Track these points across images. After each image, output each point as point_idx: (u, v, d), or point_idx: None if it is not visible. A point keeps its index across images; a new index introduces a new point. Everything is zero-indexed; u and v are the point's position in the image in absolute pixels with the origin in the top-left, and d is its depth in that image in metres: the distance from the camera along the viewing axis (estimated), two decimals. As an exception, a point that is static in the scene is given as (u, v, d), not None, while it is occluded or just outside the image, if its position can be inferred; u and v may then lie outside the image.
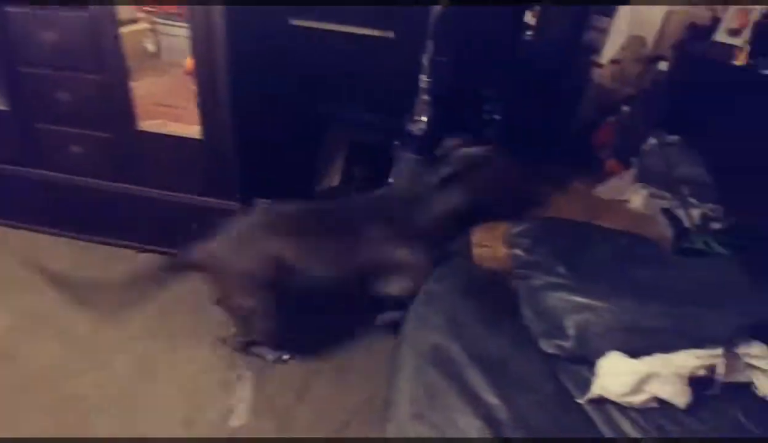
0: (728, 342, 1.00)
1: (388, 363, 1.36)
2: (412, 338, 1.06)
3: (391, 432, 0.94)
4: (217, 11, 1.32)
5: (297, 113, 1.78)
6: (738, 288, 1.10)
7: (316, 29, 1.75)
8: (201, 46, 1.39)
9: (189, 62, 2.10)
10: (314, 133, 1.85)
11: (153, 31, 2.20)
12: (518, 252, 1.23)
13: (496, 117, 1.74)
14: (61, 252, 1.74)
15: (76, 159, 1.60)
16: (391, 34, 1.72)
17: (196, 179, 1.60)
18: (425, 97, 1.59)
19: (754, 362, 1.03)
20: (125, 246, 1.77)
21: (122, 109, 1.51)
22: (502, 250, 1.72)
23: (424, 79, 1.58)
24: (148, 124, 1.60)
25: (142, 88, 1.81)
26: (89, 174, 1.64)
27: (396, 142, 1.69)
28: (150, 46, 1.68)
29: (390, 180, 1.76)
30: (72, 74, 1.48)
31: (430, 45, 1.54)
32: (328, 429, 1.28)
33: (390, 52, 1.73)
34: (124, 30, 1.56)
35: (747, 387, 1.04)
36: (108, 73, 1.46)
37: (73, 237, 1.78)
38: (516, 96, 1.87)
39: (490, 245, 1.76)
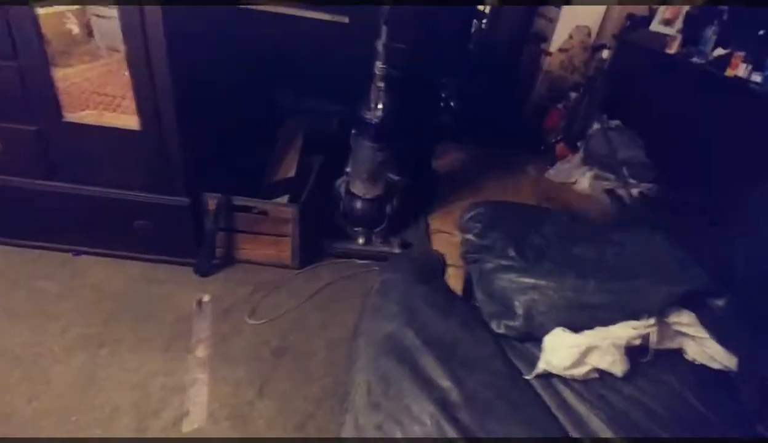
0: (660, 313, 1.07)
1: (341, 349, 1.40)
2: (368, 328, 1.06)
3: (348, 423, 0.93)
4: None
5: (248, 102, 1.70)
6: (669, 261, 1.18)
7: (266, 12, 1.68)
8: (132, 27, 1.27)
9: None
10: (267, 123, 1.78)
11: (82, 12, 2.01)
12: (470, 237, 1.26)
13: (452, 104, 1.74)
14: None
15: (-4, 155, 1.45)
16: (345, 19, 1.68)
17: (137, 174, 1.49)
18: (380, 84, 1.57)
19: (684, 329, 1.12)
20: (60, 250, 1.63)
21: (46, 98, 1.37)
22: (460, 236, 1.76)
23: (378, 65, 1.55)
24: (80, 115, 1.47)
25: (74, 76, 1.65)
26: (14, 172, 1.48)
27: (353, 131, 1.66)
28: (75, 29, 1.53)
29: (347, 169, 1.74)
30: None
31: (384, 30, 1.51)
32: (290, 423, 1.26)
33: (345, 38, 1.69)
34: (43, 11, 1.40)
35: (677, 353, 1.13)
36: (25, 58, 1.32)
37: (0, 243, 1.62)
38: (471, 83, 1.88)
39: (447, 231, 1.80)
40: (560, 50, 2.79)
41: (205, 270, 1.62)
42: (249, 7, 1.71)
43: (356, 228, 1.80)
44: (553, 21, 2.79)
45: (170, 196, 1.52)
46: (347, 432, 0.92)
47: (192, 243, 1.60)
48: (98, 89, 1.67)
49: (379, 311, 1.06)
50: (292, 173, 1.70)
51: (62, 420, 1.18)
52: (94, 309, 1.47)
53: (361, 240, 1.80)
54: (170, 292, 1.56)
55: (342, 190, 1.76)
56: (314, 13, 1.72)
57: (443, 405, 0.88)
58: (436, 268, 1.17)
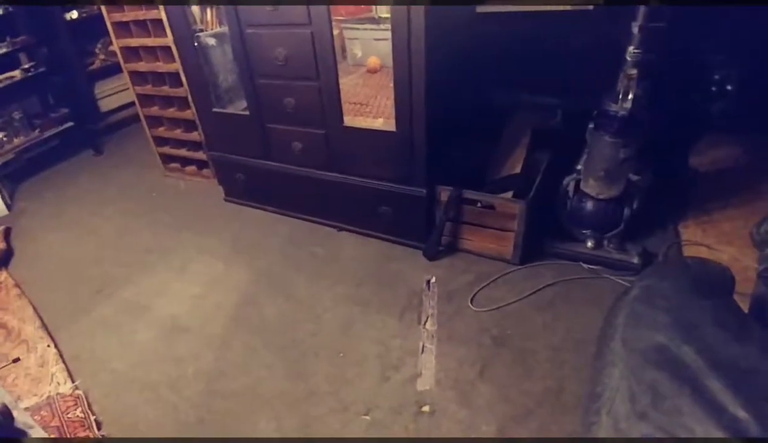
0: None
1: (566, 354, 1.38)
2: (628, 334, 0.98)
3: (606, 425, 0.90)
4: (420, 9, 1.40)
5: (478, 101, 1.80)
6: None
7: (503, 14, 1.74)
8: (400, 45, 1.50)
9: (372, 61, 2.35)
10: (494, 120, 1.85)
11: (341, 34, 2.52)
12: (772, 251, 1.01)
13: (729, 87, 1.42)
14: (280, 226, 2.18)
15: (297, 153, 1.98)
16: (589, 6, 1.59)
17: (387, 168, 1.78)
18: (632, 71, 1.41)
19: None
20: (328, 225, 2.11)
21: (333, 108, 1.78)
22: (728, 252, 1.43)
23: (631, 51, 1.40)
24: (348, 120, 1.86)
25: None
26: (306, 164, 2.00)
27: (590, 125, 1.55)
28: (357, 52, 1.92)
29: (578, 166, 1.64)
30: (297, 83, 1.81)
31: (642, 10, 1.35)
32: (510, 412, 1.29)
33: (586, 26, 1.60)
34: (336, 31, 1.78)
35: None
36: (324, 79, 1.74)
37: (288, 215, 2.22)
38: (756, 59, 1.48)
39: (709, 246, 1.49)
40: None
41: (432, 255, 1.81)
42: (486, 10, 1.80)
43: (585, 231, 1.68)
44: None
45: (410, 187, 1.76)
46: (605, 433, 0.89)
47: (423, 229, 1.81)
48: (351, 98, 2.08)
49: (642, 319, 0.97)
50: (518, 169, 1.71)
51: (333, 355, 1.53)
52: (350, 274, 1.84)
53: (589, 244, 1.67)
54: (403, 269, 1.81)
55: (570, 188, 1.67)
56: (555, 5, 1.67)
57: (737, 435, 0.76)
58: (720, 282, 0.98)
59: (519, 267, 1.72)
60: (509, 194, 1.69)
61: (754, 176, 1.62)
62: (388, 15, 2.45)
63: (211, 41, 2.10)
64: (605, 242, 1.65)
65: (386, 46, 2.37)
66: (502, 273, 1.71)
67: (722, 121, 1.47)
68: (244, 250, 2.06)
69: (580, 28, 1.75)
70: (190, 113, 2.37)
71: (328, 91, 1.75)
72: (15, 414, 0.92)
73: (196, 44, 2.08)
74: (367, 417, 1.33)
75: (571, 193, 1.68)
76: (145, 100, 2.56)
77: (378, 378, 1.44)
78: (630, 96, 1.42)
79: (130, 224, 2.37)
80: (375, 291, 1.74)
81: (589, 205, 1.64)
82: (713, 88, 1.43)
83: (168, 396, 1.46)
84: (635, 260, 1.60)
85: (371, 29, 2.40)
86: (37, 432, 0.95)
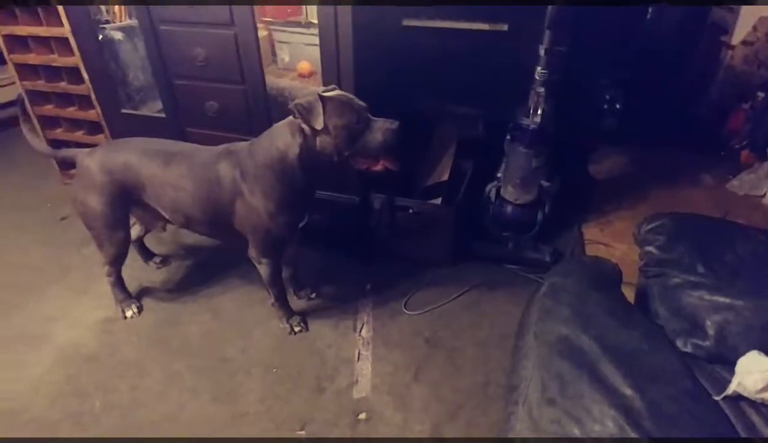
0: None
1: (491, 350, 1.49)
2: (538, 328, 1.08)
3: (521, 414, 0.97)
4: (345, 14, 1.42)
5: (407, 110, 1.86)
6: None
7: (428, 28, 1.82)
8: (328, 49, 1.50)
9: (302, 66, 2.31)
10: (423, 130, 1.92)
11: (269, 36, 2.44)
12: (651, 249, 1.19)
13: (617, 106, 1.64)
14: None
15: (222, 158, 1.86)
16: (504, 27, 1.73)
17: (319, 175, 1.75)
18: (540, 89, 1.57)
19: None
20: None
21: (260, 114, 1.72)
22: (620, 248, 1.65)
23: (539, 71, 1.55)
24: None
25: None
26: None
27: (507, 137, 1.69)
28: (285, 56, 1.87)
29: (499, 174, 1.78)
30: (220, 86, 1.72)
31: (547, 35, 1.51)
32: (442, 410, 1.36)
33: (502, 46, 1.74)
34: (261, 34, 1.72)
35: None
36: (249, 82, 1.67)
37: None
38: (638, 82, 1.74)
39: (606, 243, 1.70)
40: (744, 43, 2.38)
41: (368, 261, 1.82)
42: (412, 23, 1.87)
43: (505, 233, 1.82)
44: (733, 11, 2.41)
45: (344, 195, 1.76)
46: (521, 422, 0.96)
47: (358, 236, 1.82)
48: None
49: (550, 313, 1.08)
50: (445, 177, 1.80)
51: (267, 371, 1.47)
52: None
53: (510, 245, 1.81)
54: (339, 277, 1.80)
55: (492, 194, 1.80)
56: (473, 24, 1.79)
57: (626, 411, 0.87)
58: (611, 277, 1.13)
59: (449, 269, 1.81)
60: (438, 200, 1.77)
61: (638, 182, 1.91)
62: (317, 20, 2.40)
63: (118, 35, 1.90)
64: (523, 243, 1.81)
65: (317, 52, 2.34)
66: (434, 277, 1.79)
67: (613, 135, 1.71)
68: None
69: (497, 47, 1.89)
70: (94, 113, 2.12)
71: (255, 95, 1.68)
72: None
73: (100, 37, 1.87)
74: (302, 433, 1.29)
75: (493, 199, 1.81)
76: (38, 97, 2.23)
77: (314, 390, 1.42)
78: (539, 111, 1.58)
79: (19, 240, 2.04)
80: (310, 304, 1.70)
81: (509, 210, 1.78)
82: (605, 107, 1.65)
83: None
84: (547, 258, 1.77)
85: (300, 33, 2.35)
86: None
